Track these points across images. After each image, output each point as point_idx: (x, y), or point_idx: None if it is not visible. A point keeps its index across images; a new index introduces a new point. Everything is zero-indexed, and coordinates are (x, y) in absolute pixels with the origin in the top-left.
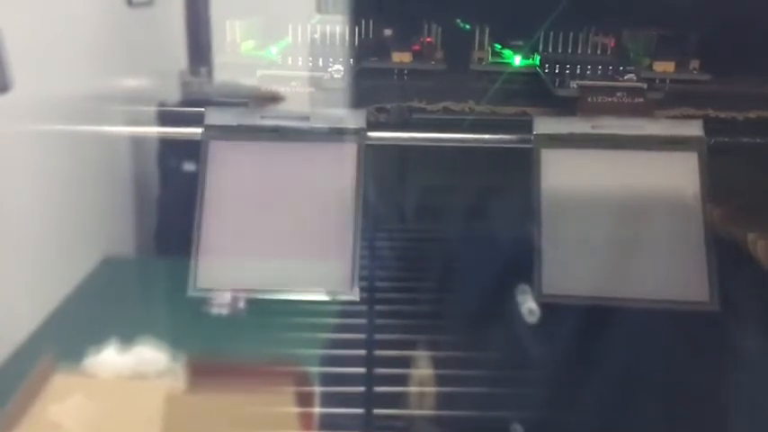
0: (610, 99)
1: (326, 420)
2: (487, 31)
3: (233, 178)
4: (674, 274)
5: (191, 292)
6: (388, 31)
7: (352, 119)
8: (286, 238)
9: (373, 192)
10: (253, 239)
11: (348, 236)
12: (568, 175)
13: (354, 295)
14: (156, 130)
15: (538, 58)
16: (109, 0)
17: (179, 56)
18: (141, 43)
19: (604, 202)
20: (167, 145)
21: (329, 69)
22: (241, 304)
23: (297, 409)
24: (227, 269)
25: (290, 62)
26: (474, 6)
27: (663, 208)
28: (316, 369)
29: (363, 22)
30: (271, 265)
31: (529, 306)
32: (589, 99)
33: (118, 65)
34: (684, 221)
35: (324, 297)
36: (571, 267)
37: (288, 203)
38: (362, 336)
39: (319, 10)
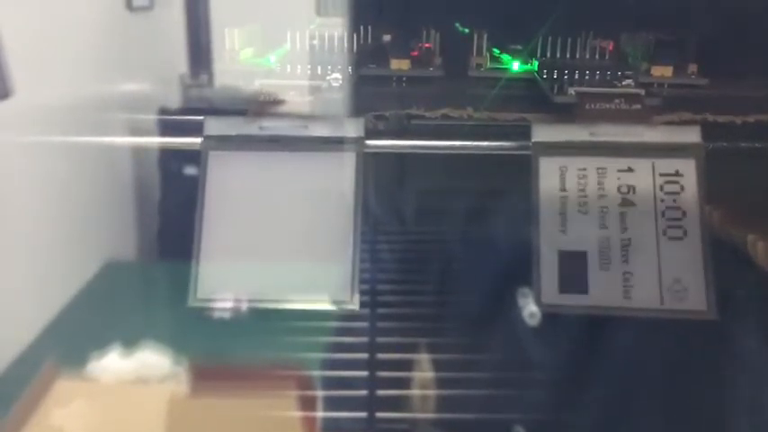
0: (608, 106)
1: (329, 424)
2: (486, 36)
3: (232, 189)
4: (671, 284)
5: (191, 303)
6: (386, 37)
7: (350, 127)
8: (286, 248)
9: (375, 198)
10: (253, 250)
11: (348, 245)
12: (566, 182)
13: (354, 304)
14: (155, 140)
15: (536, 63)
16: (109, 5)
17: (179, 61)
18: (141, 48)
19: (603, 209)
20: (169, 149)
21: (328, 77)
22: (243, 307)
23: (300, 413)
24: (227, 280)
25: (288, 70)
26: (472, 12)
27: (660, 215)
28: (318, 373)
29: (362, 28)
30: (270, 275)
31: (530, 309)
32: (587, 106)
33: (118, 70)
34: (682, 230)
35: (324, 307)
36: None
37: (287, 213)
38: (365, 339)
39: (319, 13)
